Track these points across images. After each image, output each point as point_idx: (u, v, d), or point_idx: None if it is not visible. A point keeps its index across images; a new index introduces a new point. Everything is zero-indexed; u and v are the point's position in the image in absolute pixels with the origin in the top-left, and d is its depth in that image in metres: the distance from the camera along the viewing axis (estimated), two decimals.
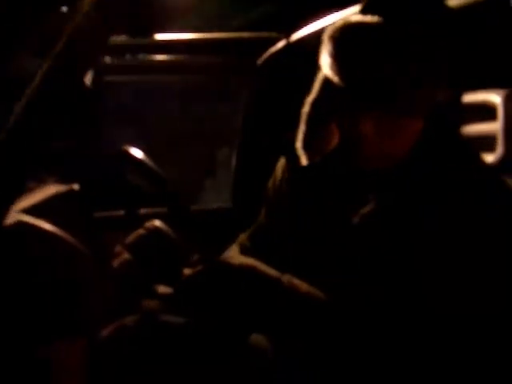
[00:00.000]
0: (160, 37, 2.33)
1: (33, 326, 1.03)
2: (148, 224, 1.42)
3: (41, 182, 1.37)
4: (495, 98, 1.70)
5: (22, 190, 1.02)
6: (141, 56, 2.45)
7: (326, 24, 2.18)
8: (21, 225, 1.04)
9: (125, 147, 1.33)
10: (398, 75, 1.12)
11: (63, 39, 1.04)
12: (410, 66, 1.12)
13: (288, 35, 2.31)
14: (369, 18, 1.15)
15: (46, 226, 1.07)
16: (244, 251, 1.51)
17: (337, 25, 1.19)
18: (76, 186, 1.22)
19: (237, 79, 2.51)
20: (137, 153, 1.31)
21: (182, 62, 2.45)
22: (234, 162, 2.58)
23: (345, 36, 1.17)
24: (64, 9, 1.83)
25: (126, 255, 1.35)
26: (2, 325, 1.01)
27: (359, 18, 1.16)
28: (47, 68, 1.02)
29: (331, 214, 1.31)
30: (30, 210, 1.08)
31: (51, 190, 1.19)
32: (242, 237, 1.61)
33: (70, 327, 1.05)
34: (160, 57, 2.45)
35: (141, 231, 1.40)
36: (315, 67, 2.35)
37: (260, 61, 2.43)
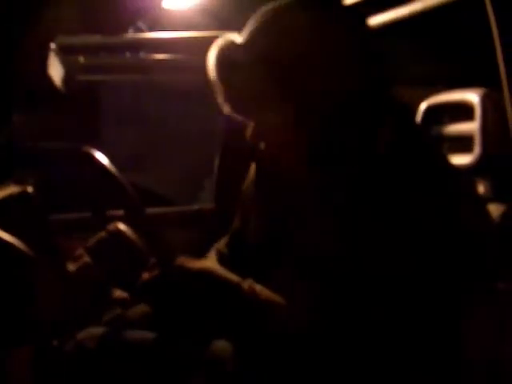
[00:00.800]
0: (155, 35, 2.32)
1: None
2: (110, 227, 1.39)
3: (19, 183, 1.35)
4: (473, 97, 1.66)
5: None
6: (137, 55, 2.43)
7: None
8: None
9: (86, 148, 1.31)
10: None
11: None
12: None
13: None
14: None
15: None
16: (221, 258, 1.49)
17: None
18: (30, 188, 1.20)
19: None
20: (98, 155, 1.29)
21: (176, 62, 2.43)
22: (216, 162, 2.56)
23: None
24: None
25: (85, 258, 1.32)
26: None
27: None
28: None
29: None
30: None
31: (7, 190, 1.16)
32: (221, 243, 1.59)
33: (15, 334, 1.03)
34: (158, 56, 2.43)
35: (102, 234, 1.38)
36: None
37: None
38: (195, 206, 2.64)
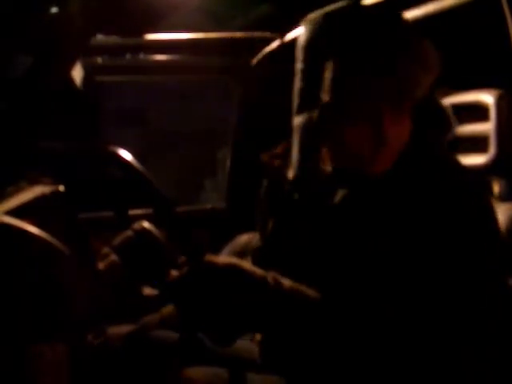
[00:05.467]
0: (155, 37, 2.33)
1: (10, 329, 1.02)
2: (136, 225, 1.41)
3: (33, 182, 1.37)
4: (488, 98, 1.68)
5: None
6: (136, 56, 2.44)
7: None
8: (2, 226, 1.03)
9: (112, 148, 1.33)
10: None
11: (46, 38, 1.03)
12: None
13: (282, 35, 2.30)
14: None
15: (29, 227, 1.06)
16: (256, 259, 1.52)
17: None
18: (61, 187, 1.21)
19: (235, 79, 2.50)
20: (124, 154, 1.31)
21: (176, 62, 2.44)
22: (228, 162, 2.58)
23: None
24: (54, 9, 1.82)
25: (113, 257, 1.34)
26: None
27: None
28: (30, 67, 1.01)
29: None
30: (15, 212, 1.07)
31: (37, 190, 1.18)
32: (242, 238, 1.61)
33: (50, 330, 1.04)
34: (156, 57, 2.44)
35: (128, 233, 1.40)
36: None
37: (255, 61, 2.42)
38: (208, 205, 2.65)
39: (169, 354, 1.36)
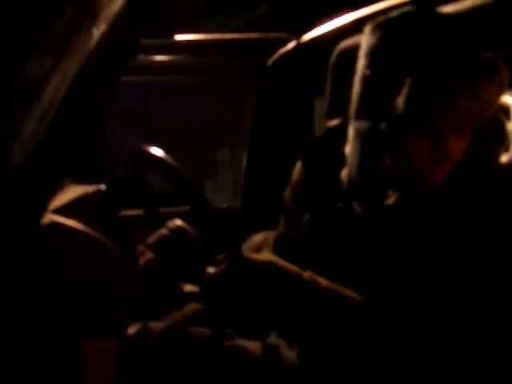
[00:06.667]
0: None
1: (63, 325, 1.04)
2: (170, 223, 1.43)
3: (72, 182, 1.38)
4: (509, 98, 1.71)
5: (57, 189, 1.03)
6: (143, 56, 2.45)
7: (338, 25, 2.21)
8: (53, 225, 1.05)
9: (144, 147, 1.34)
10: None
11: (93, 41, 1.04)
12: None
13: (298, 36, 2.32)
14: None
15: (79, 225, 1.08)
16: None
17: None
18: (103, 187, 1.23)
19: (238, 79, 2.53)
20: (158, 152, 1.32)
21: (187, 62, 2.46)
22: (244, 161, 2.59)
23: None
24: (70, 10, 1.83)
25: (149, 255, 1.36)
26: (33, 323, 1.02)
27: None
28: (77, 72, 1.02)
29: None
30: (60, 211, 1.09)
31: (79, 190, 1.20)
32: (257, 237, 1.62)
33: (101, 326, 1.06)
34: (162, 57, 2.45)
35: (163, 231, 1.42)
36: (325, 68, 2.37)
37: (270, 61, 2.44)
38: (224, 204, 2.67)
39: (201, 350, 1.38)
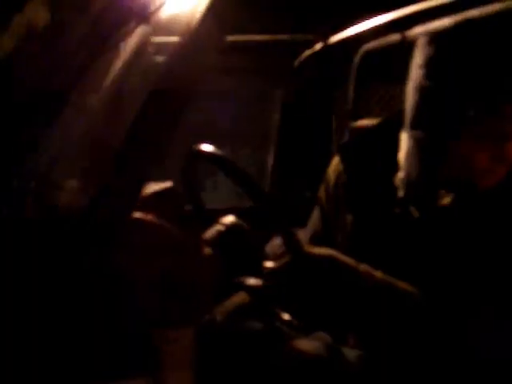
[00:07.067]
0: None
1: (146, 315, 1.08)
2: (224, 219, 1.46)
3: None
4: None
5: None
6: None
7: (364, 28, 2.26)
8: (134, 220, 1.08)
9: (196, 146, 1.37)
10: None
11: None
12: None
13: (326, 38, 2.37)
14: None
15: (156, 219, 1.11)
16: None
17: None
18: (170, 183, 1.27)
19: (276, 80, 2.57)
20: (208, 148, 1.35)
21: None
22: (270, 161, 2.63)
23: None
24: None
25: (207, 249, 1.39)
26: (117, 312, 1.05)
27: None
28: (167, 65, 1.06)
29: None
30: (139, 206, 1.12)
31: (149, 187, 1.23)
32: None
33: (179, 316, 1.10)
34: None
35: (219, 227, 1.45)
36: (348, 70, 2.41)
37: (297, 62, 2.49)
38: (247, 204, 2.70)
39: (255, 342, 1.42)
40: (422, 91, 1.29)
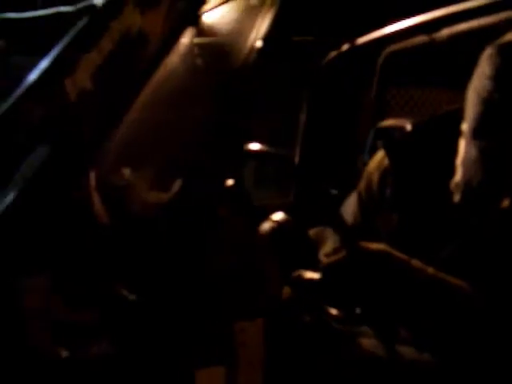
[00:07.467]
0: None
1: (221, 308, 1.12)
2: (275, 216, 1.50)
3: None
4: None
5: None
6: None
7: (390, 31, 2.31)
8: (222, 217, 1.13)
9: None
10: None
11: None
12: None
13: (352, 40, 2.41)
14: None
15: (228, 214, 1.16)
16: None
17: None
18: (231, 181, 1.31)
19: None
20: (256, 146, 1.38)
21: None
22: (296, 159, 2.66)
23: None
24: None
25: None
26: (191, 301, 1.09)
27: None
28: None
29: None
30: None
31: None
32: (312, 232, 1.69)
33: (253, 308, 1.14)
34: None
35: (270, 223, 1.48)
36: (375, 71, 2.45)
37: (324, 63, 2.53)
38: (276, 201, 2.74)
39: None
40: (490, 103, 1.30)
